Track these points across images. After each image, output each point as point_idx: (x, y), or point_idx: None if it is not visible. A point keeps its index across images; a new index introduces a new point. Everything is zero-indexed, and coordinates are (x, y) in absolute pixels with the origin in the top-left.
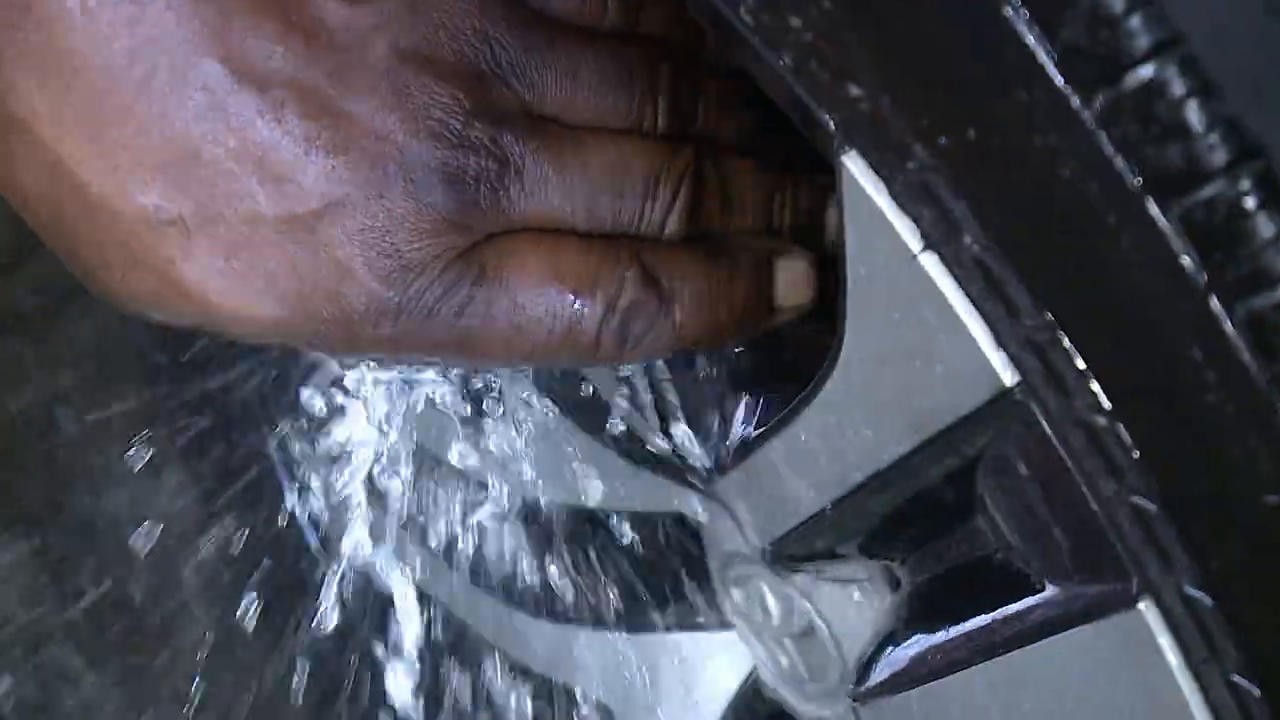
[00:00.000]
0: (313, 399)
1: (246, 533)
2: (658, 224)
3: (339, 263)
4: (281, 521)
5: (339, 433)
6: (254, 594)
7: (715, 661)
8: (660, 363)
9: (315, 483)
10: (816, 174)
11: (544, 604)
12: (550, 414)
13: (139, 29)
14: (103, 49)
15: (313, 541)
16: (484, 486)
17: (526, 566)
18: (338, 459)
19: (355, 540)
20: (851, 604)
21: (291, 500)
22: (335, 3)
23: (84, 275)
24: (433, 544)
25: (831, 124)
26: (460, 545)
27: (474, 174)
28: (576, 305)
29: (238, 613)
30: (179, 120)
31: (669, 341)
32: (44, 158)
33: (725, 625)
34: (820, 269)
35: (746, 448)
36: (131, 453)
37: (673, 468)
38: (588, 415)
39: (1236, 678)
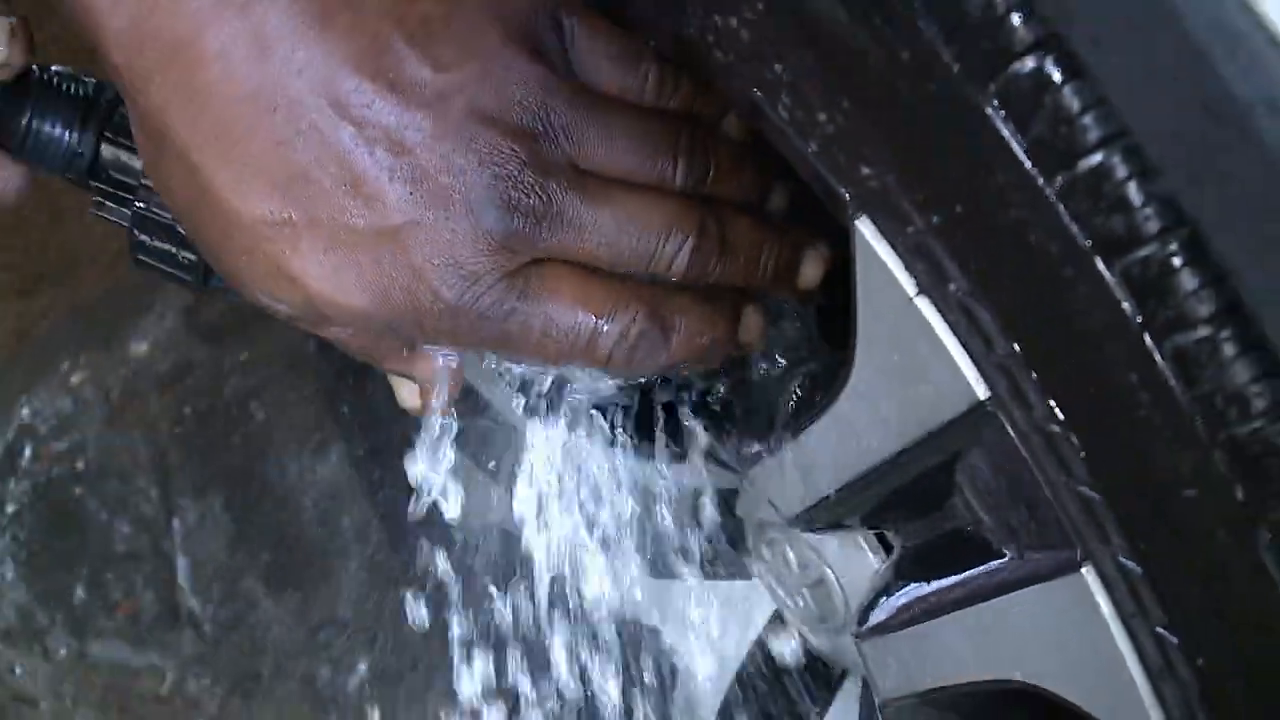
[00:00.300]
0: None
1: (395, 495)
2: (667, 264)
3: (413, 268)
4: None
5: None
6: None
7: (747, 602)
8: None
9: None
10: (797, 229)
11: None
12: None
13: (265, 72)
14: (234, 85)
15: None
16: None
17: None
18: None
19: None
20: (854, 561)
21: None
22: (425, 68)
23: (213, 260)
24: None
25: (846, 196)
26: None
27: (523, 209)
28: (597, 327)
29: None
30: (293, 147)
31: (663, 362)
32: (185, 165)
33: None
34: (765, 315)
35: (778, 443)
36: (304, 433)
37: (719, 457)
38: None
39: (1160, 630)
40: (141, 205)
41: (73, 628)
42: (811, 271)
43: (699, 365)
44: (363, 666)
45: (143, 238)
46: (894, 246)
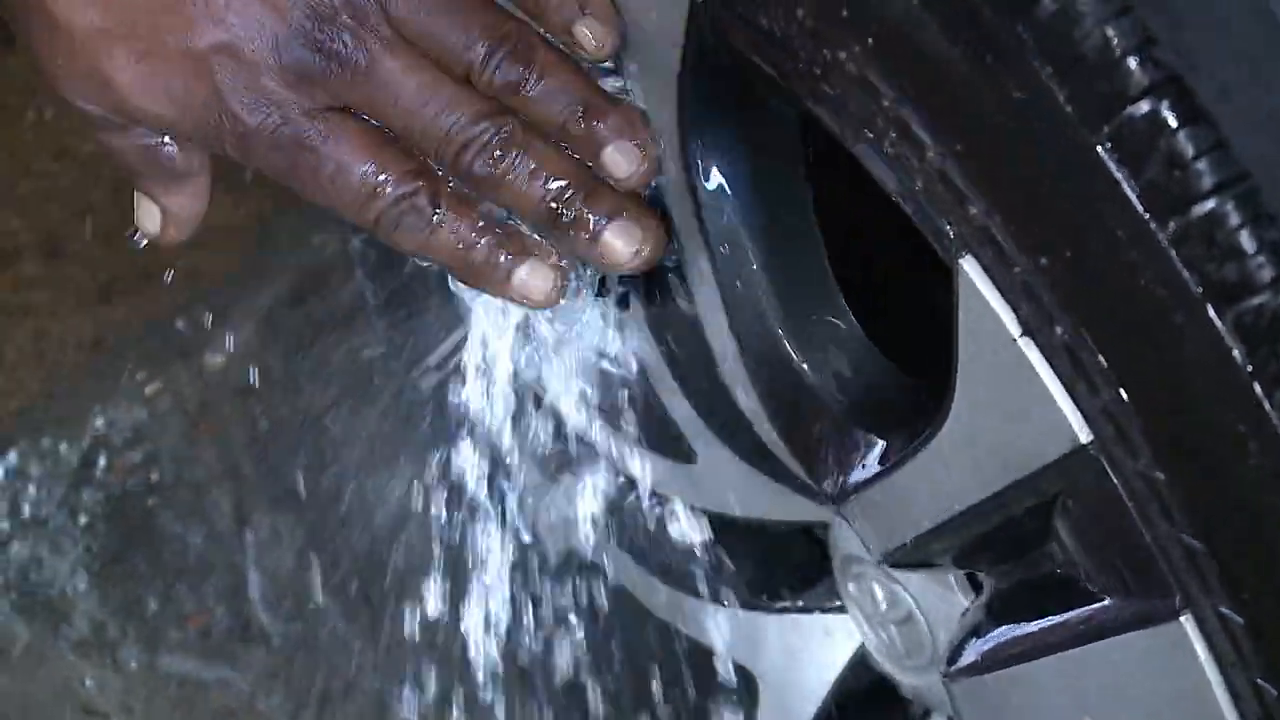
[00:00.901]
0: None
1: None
2: (456, 150)
3: (217, 88)
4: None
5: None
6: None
7: (832, 637)
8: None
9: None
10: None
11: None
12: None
13: None
14: None
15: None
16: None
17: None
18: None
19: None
20: (943, 600)
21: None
22: None
23: (37, 61)
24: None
25: (951, 233)
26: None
27: (328, 50)
28: (379, 186)
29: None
30: None
31: (414, 246)
32: None
33: (841, 609)
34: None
35: (873, 478)
36: (378, 448)
37: (809, 488)
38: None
39: (1259, 680)
40: None
41: (144, 640)
42: (617, 240)
43: (460, 276)
44: (433, 688)
45: None
46: (998, 286)
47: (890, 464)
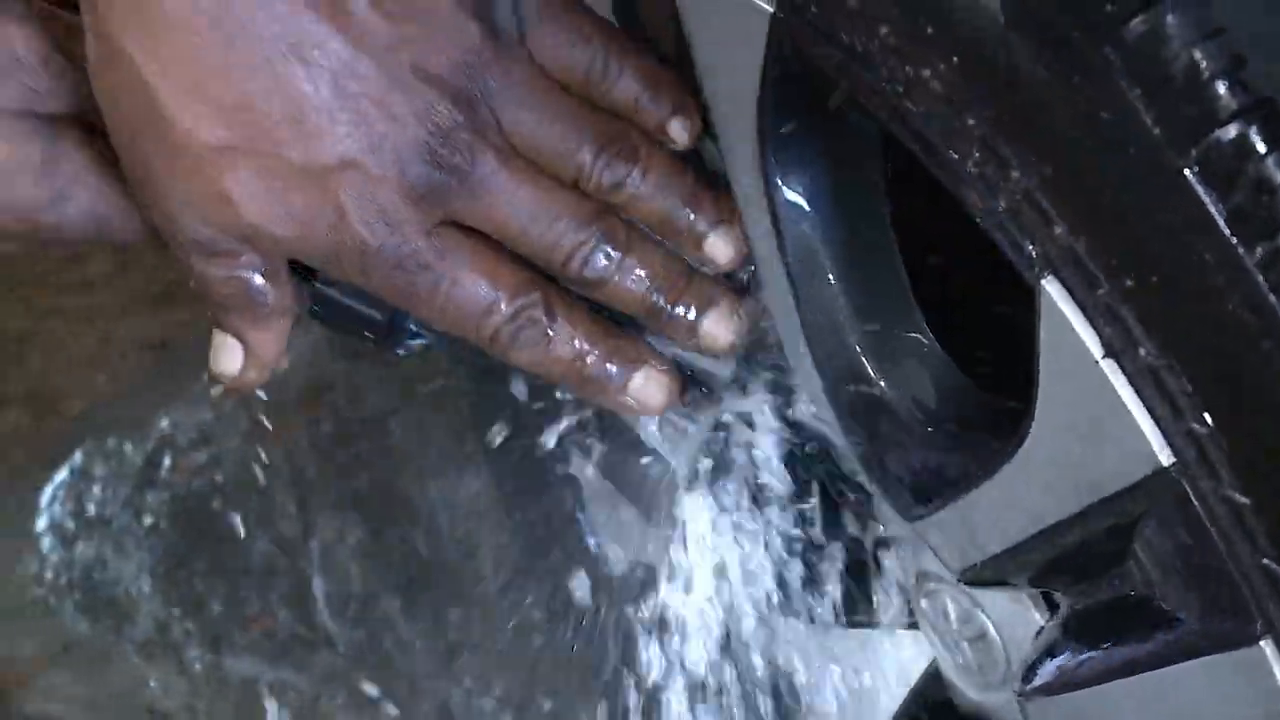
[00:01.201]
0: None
1: (534, 519)
2: (565, 255)
3: (340, 207)
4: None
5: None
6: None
7: (903, 653)
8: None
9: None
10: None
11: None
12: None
13: (226, 3)
14: (196, 14)
15: (591, 542)
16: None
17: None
18: None
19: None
20: (1017, 618)
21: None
22: (377, 17)
23: (148, 180)
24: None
25: (1034, 253)
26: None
27: (449, 165)
28: (495, 303)
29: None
30: (245, 77)
31: (537, 358)
32: (138, 86)
33: (914, 626)
34: (680, 386)
35: (950, 496)
36: (443, 452)
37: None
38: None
39: None
40: None
41: (208, 641)
42: (716, 329)
43: (576, 388)
44: (497, 691)
45: (329, 293)
46: (1082, 308)
47: (968, 483)
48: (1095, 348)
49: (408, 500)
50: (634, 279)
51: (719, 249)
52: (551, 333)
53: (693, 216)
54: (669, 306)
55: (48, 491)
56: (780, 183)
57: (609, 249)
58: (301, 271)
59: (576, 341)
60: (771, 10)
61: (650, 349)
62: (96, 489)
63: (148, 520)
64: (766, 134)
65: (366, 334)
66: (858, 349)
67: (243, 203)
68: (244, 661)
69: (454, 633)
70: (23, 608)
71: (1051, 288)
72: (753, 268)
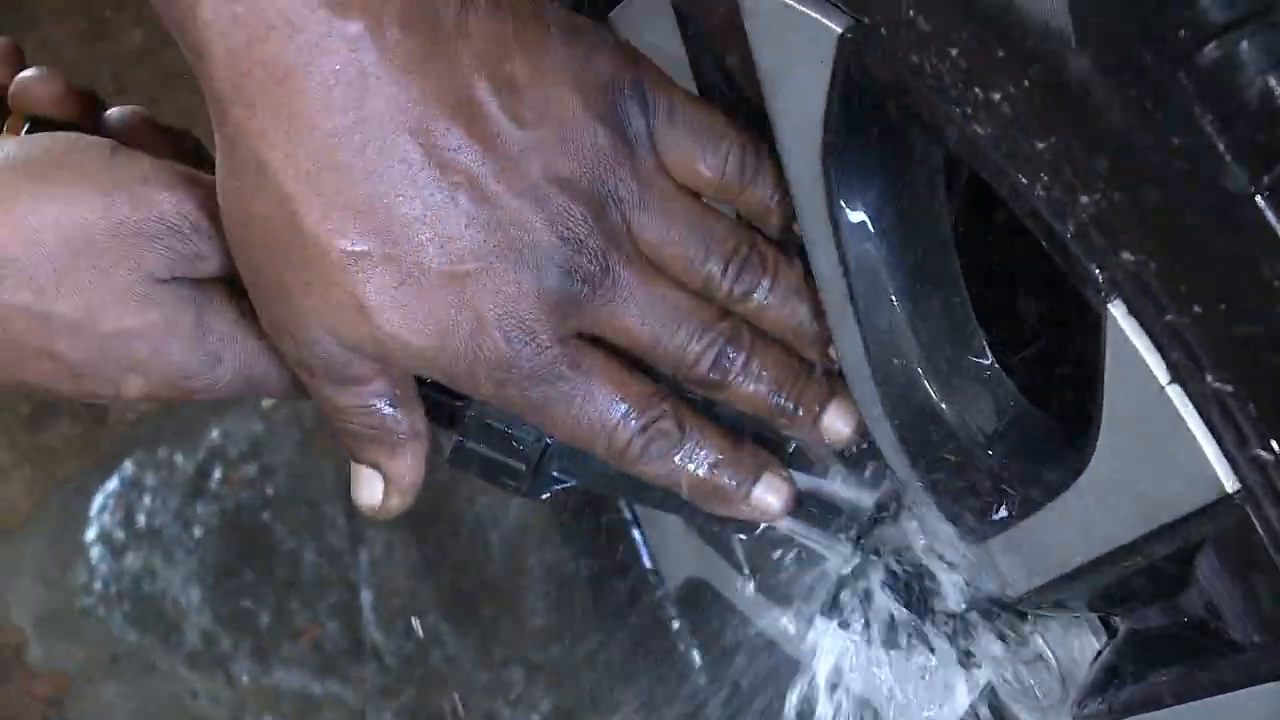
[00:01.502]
0: None
1: (581, 534)
2: (693, 360)
3: (478, 314)
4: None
5: None
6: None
7: (958, 674)
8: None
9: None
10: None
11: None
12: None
13: (363, 108)
14: (334, 118)
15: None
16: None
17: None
18: None
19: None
20: (1075, 641)
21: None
22: (510, 124)
23: (281, 294)
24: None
25: (1101, 278)
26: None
27: (583, 273)
28: (626, 414)
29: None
30: (381, 181)
31: (661, 471)
32: (275, 192)
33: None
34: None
35: (1010, 520)
36: None
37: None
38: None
39: None
40: (474, 413)
41: (256, 653)
42: (838, 424)
43: (702, 499)
44: (545, 706)
45: (470, 445)
46: (1148, 332)
47: (1029, 507)
48: (1161, 373)
49: (458, 514)
50: (757, 379)
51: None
52: (682, 444)
53: (819, 324)
54: (791, 404)
55: (98, 501)
56: (844, 203)
57: (734, 350)
58: (445, 419)
59: (706, 452)
60: (840, 30)
61: (771, 456)
62: (147, 499)
63: (197, 531)
64: (831, 154)
65: (507, 483)
66: (919, 371)
67: (378, 312)
68: (292, 674)
69: (502, 648)
70: (72, 617)
71: (1118, 312)
72: None
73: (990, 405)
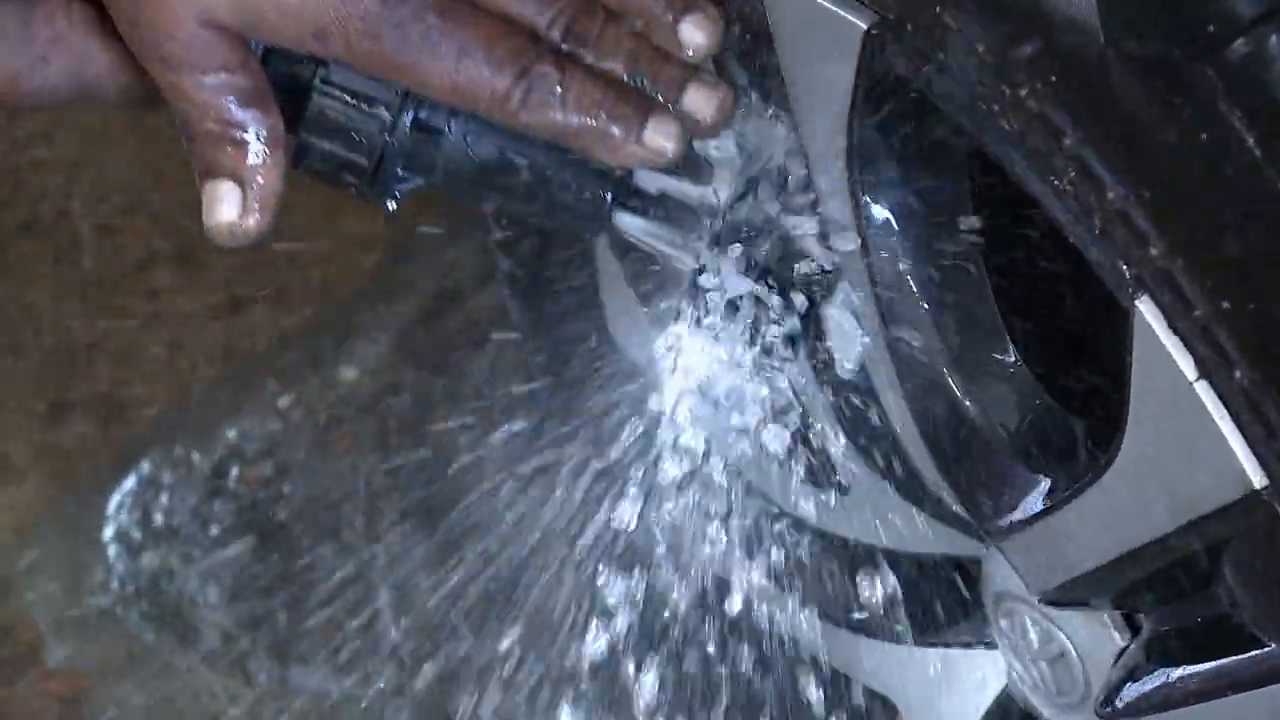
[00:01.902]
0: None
1: (597, 527)
2: (546, 25)
3: None
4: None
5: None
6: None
7: (981, 671)
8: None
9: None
10: None
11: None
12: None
13: None
14: None
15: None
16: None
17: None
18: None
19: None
20: (1098, 639)
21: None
22: None
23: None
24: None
25: (1129, 274)
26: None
27: None
28: (503, 60)
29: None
30: None
31: (547, 117)
32: None
33: (990, 645)
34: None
35: (1035, 517)
36: (512, 465)
37: (967, 524)
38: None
39: None
40: (316, 108)
41: (273, 653)
42: (699, 98)
43: (589, 146)
44: (565, 711)
45: (311, 140)
46: (1176, 329)
47: (1054, 503)
48: (1189, 369)
49: (475, 512)
50: (614, 52)
51: (694, 36)
52: (562, 87)
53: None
54: (650, 75)
55: (115, 500)
56: (869, 199)
57: (586, 19)
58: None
59: (589, 97)
60: (865, 26)
61: (656, 100)
62: (164, 498)
63: (214, 530)
64: (856, 150)
65: (350, 181)
66: (943, 367)
67: None
68: (310, 673)
69: (521, 647)
70: (88, 616)
71: (1145, 309)
72: None
73: (1014, 402)
